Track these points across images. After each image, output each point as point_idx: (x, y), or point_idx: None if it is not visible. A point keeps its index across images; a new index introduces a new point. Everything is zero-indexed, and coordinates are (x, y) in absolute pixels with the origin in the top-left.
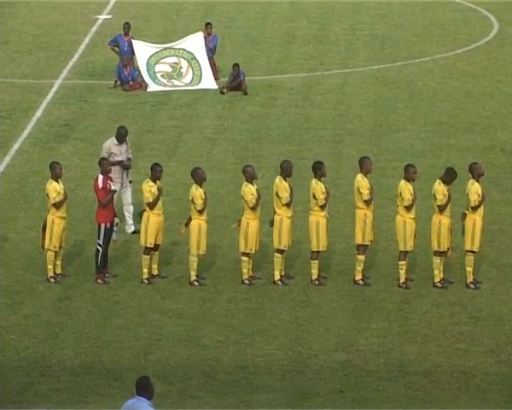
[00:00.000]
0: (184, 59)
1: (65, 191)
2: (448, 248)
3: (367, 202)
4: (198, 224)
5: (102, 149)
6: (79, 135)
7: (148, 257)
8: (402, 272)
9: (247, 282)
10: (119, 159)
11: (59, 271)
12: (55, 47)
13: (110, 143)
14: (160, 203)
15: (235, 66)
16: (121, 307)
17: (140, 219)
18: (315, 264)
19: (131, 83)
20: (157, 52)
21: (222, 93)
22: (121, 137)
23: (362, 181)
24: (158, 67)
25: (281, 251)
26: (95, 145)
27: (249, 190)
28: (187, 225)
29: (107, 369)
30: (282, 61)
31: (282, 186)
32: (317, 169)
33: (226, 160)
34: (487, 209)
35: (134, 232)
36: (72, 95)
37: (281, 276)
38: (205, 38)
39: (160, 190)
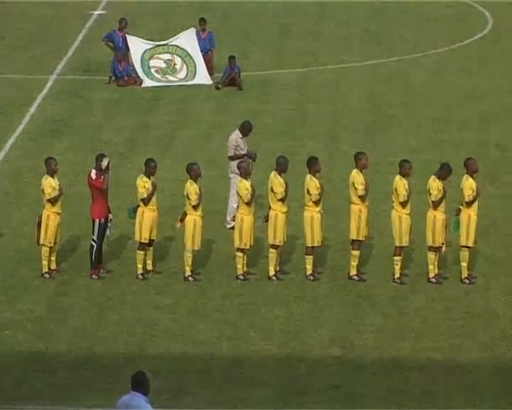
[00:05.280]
0: (178, 56)
1: (60, 187)
2: (442, 244)
3: (362, 198)
4: (193, 219)
5: (229, 143)
6: (74, 130)
7: (142, 253)
8: (397, 268)
9: (241, 277)
10: (244, 152)
11: (53, 266)
12: (49, 43)
13: (236, 137)
14: (154, 199)
15: (232, 58)
16: (116, 303)
17: (134, 214)
18: (309, 259)
19: (126, 78)
20: (151, 48)
21: (217, 88)
22: (246, 131)
23: (357, 176)
24: (152, 63)
25: (275, 246)
26: (89, 141)
27: (244, 186)
28: (182, 220)
29: (102, 364)
30: (277, 56)
31: (276, 181)
32: (312, 165)
33: (221, 155)
34: (482, 204)
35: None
36: (67, 90)
37: (275, 271)
38: (199, 33)
39: (154, 185)
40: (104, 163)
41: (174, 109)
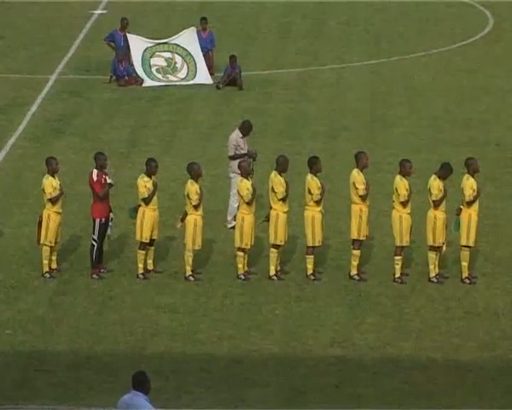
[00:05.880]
0: (178, 55)
1: (61, 186)
2: (443, 243)
3: (363, 198)
4: (194, 219)
5: (229, 142)
6: (74, 130)
7: (143, 252)
8: (397, 267)
9: (242, 277)
10: (244, 151)
11: (54, 266)
12: (50, 42)
13: (236, 137)
14: (155, 198)
15: (232, 57)
16: (116, 303)
17: (135, 214)
18: (310, 259)
19: (127, 78)
20: (152, 46)
21: (218, 88)
22: (246, 130)
23: (358, 176)
24: (153, 61)
25: (276, 246)
26: (90, 140)
27: (245, 185)
28: (183, 220)
29: (103, 364)
30: (277, 56)
31: (277, 181)
32: (313, 164)
33: (221, 155)
34: (482, 204)
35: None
36: (68, 90)
37: (276, 271)
38: (199, 32)
39: (155, 185)
40: (108, 180)
41: (174, 109)
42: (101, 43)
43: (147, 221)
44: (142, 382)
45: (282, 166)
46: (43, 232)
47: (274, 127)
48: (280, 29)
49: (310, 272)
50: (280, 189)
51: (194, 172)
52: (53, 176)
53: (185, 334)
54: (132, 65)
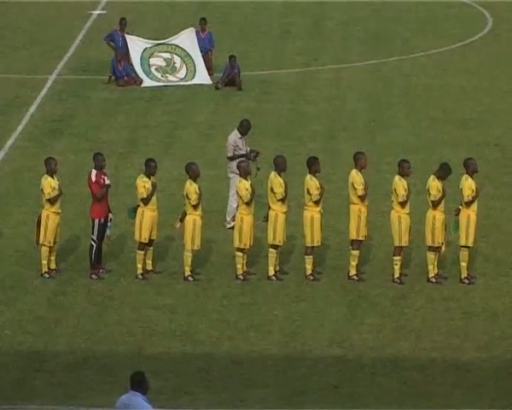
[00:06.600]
0: (177, 55)
1: (59, 187)
2: (442, 244)
3: (361, 198)
4: (193, 219)
5: (228, 143)
6: (73, 130)
7: (142, 252)
8: (396, 268)
9: (241, 277)
10: (243, 152)
11: (53, 266)
12: (49, 42)
13: (235, 137)
14: (154, 199)
15: (232, 57)
16: (115, 303)
17: (134, 214)
18: (309, 259)
19: (126, 78)
20: (151, 47)
21: (216, 88)
22: (245, 129)
23: (356, 176)
24: (152, 61)
25: (275, 246)
26: (89, 140)
27: (243, 186)
28: (182, 220)
29: (102, 364)
30: (277, 56)
31: (276, 181)
32: (312, 165)
33: (220, 155)
34: (481, 204)
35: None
36: (67, 90)
37: (275, 271)
38: (198, 33)
39: (154, 185)
40: (106, 181)
41: (174, 109)
42: (100, 43)
43: (146, 221)
44: (140, 382)
45: (280, 167)
46: (41, 233)
47: (273, 127)
48: (279, 29)
49: (309, 272)
50: (279, 189)
51: (192, 172)
52: (52, 176)
53: (184, 334)
54: (131, 65)
